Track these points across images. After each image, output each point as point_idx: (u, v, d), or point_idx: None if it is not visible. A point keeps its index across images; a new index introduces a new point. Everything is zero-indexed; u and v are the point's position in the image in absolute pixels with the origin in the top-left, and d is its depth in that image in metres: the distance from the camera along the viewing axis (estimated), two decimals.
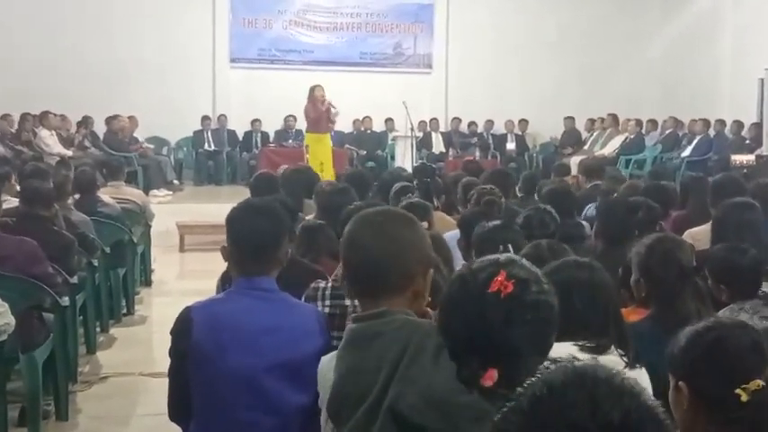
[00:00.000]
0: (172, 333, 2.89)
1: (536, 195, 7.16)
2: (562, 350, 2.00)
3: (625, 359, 2.64)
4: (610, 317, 2.73)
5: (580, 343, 2.60)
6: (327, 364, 2.37)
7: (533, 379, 1.19)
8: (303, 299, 3.34)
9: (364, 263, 2.17)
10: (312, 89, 13.58)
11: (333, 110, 13.51)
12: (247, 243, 2.91)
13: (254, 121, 17.49)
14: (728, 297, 3.62)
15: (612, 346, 2.66)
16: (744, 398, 1.95)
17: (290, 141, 16.84)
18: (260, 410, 2.79)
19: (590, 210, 6.78)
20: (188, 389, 2.85)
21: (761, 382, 1.95)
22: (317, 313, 3.05)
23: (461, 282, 1.87)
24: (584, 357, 2.51)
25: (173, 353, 2.89)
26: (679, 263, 3.27)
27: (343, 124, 16.94)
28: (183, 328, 2.83)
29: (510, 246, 3.44)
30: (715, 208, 5.48)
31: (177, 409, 2.93)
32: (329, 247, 4.70)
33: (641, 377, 2.57)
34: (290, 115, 16.92)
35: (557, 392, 1.14)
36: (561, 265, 2.83)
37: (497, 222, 4.03)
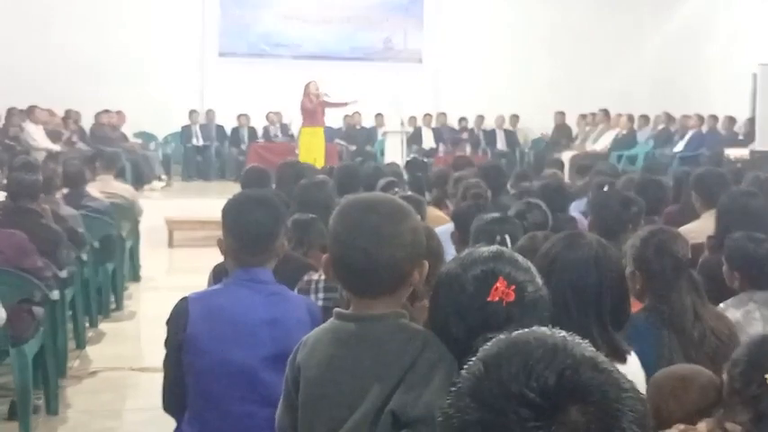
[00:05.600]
0: (168, 323, 2.86)
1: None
2: None
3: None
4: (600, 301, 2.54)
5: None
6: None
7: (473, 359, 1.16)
8: (296, 291, 3.31)
9: (360, 269, 2.00)
10: (306, 85, 13.98)
11: (327, 98, 13.95)
12: (244, 234, 2.87)
13: (242, 116, 17.42)
14: (741, 285, 3.62)
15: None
16: None
17: (279, 136, 16.79)
18: (254, 402, 2.77)
19: (582, 203, 6.78)
20: (182, 380, 2.83)
21: None
22: (308, 303, 3.02)
23: (458, 287, 1.89)
24: None
25: (168, 343, 2.86)
26: (674, 255, 3.24)
27: (333, 119, 16.91)
28: (179, 318, 2.81)
29: (507, 237, 3.42)
30: (699, 202, 5.50)
31: (171, 400, 2.91)
32: (320, 240, 4.68)
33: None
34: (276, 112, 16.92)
35: (492, 367, 1.11)
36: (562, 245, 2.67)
37: (496, 215, 4.01)
